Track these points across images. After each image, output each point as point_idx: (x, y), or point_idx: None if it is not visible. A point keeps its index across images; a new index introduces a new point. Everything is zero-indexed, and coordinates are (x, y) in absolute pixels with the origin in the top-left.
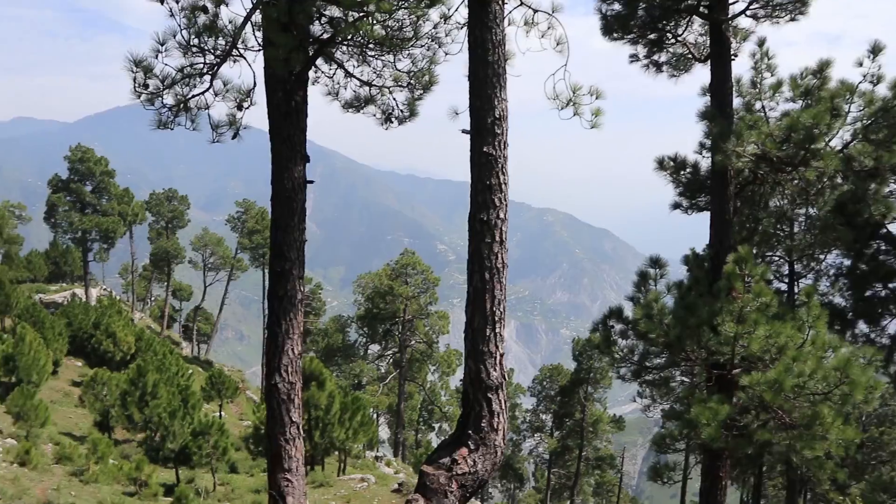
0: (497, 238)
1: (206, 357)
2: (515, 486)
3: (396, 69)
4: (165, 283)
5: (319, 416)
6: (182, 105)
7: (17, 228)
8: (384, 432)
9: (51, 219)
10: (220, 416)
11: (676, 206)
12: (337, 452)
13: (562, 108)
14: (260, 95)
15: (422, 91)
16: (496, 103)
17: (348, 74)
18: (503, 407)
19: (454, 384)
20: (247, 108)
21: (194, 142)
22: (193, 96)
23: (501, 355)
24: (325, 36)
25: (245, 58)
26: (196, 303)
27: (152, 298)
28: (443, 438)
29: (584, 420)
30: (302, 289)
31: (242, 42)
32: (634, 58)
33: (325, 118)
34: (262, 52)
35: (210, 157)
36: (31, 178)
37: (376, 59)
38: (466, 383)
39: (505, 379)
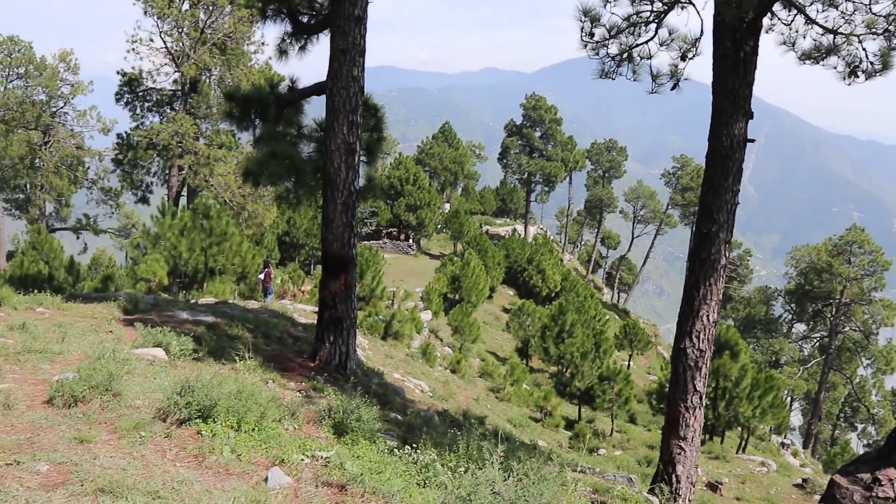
0: None
1: (624, 306)
2: None
3: (871, 12)
4: (596, 230)
5: (727, 387)
6: (625, 54)
7: (476, 165)
8: (796, 419)
9: (503, 159)
10: (629, 365)
11: None
12: (740, 429)
13: None
14: (706, 45)
15: None
16: None
17: (809, 20)
18: None
19: (890, 385)
20: (691, 58)
21: (638, 95)
22: (637, 45)
23: None
24: None
25: (694, 4)
26: (622, 252)
27: (582, 242)
28: (866, 443)
29: None
30: (727, 254)
31: None
32: None
33: (774, 72)
34: None
35: (652, 110)
36: (492, 122)
37: (847, 0)
38: None
39: None
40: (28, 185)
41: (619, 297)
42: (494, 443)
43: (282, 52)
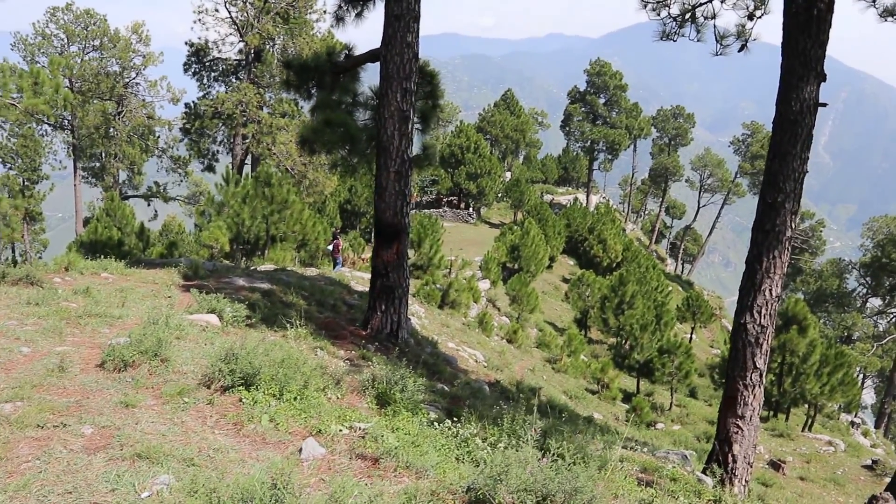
0: None
1: (688, 277)
2: None
3: None
4: (660, 199)
5: (794, 363)
6: (688, 14)
7: (538, 133)
8: (868, 397)
9: (566, 127)
10: (691, 338)
11: None
12: (806, 406)
13: None
14: (776, 3)
15: None
16: None
17: None
18: None
19: None
20: (759, 17)
21: (707, 59)
22: (700, 4)
23: None
24: None
25: None
26: (687, 222)
27: (646, 212)
28: None
29: None
30: (792, 225)
31: None
32: None
33: (856, 32)
34: None
35: (722, 75)
36: (556, 88)
37: None
38: None
39: None
40: (103, 154)
41: (682, 268)
42: (541, 417)
43: (338, 18)
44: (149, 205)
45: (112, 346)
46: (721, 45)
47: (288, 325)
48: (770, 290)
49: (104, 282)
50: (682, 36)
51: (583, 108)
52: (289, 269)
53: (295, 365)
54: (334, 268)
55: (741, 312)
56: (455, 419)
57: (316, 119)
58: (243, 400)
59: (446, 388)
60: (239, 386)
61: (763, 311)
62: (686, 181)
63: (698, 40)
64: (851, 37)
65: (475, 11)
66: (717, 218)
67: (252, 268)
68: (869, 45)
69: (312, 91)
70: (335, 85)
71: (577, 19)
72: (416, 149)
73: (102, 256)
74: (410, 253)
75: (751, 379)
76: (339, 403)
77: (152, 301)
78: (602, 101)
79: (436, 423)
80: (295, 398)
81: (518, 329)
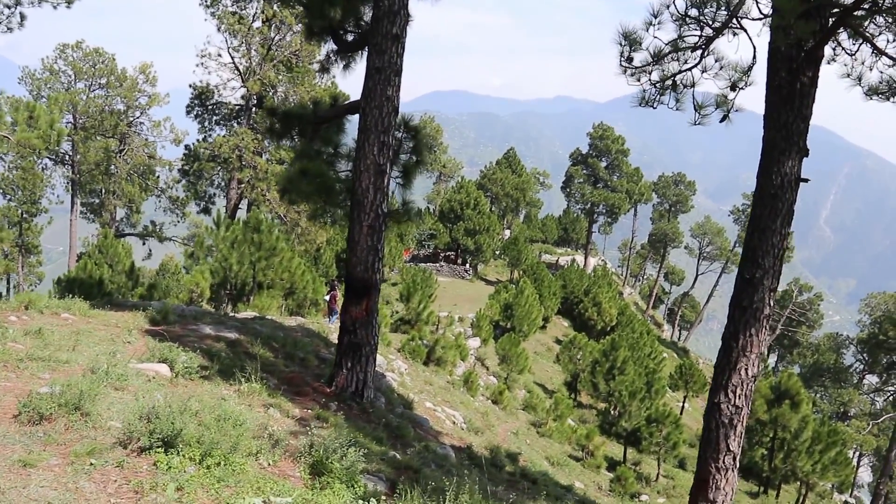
0: None
1: (684, 344)
2: None
3: None
4: (659, 264)
5: (786, 438)
6: (668, 82)
7: (539, 193)
8: (865, 475)
9: (567, 188)
10: (683, 407)
11: None
12: (798, 484)
13: None
14: (759, 75)
15: None
16: None
17: (877, 51)
18: None
19: None
20: (741, 88)
21: (712, 130)
22: (680, 72)
23: None
24: (850, 1)
25: (745, 30)
26: (685, 288)
27: (644, 277)
28: None
29: None
30: (771, 303)
31: (744, 11)
32: None
33: (855, 109)
34: (765, 23)
35: (726, 145)
36: (561, 150)
37: None
38: None
39: None
40: (102, 191)
41: (679, 334)
42: (506, 488)
43: (324, 69)
44: (143, 243)
45: (30, 395)
46: (700, 114)
47: (243, 380)
48: (746, 370)
49: (62, 323)
50: (662, 103)
51: (584, 171)
52: (268, 317)
53: (226, 425)
54: (330, 319)
55: (715, 391)
56: (397, 493)
57: (293, 168)
58: (158, 464)
59: (397, 456)
60: (158, 447)
61: (738, 390)
62: (685, 248)
63: (678, 109)
64: (854, 113)
65: (487, 71)
66: (716, 286)
67: (230, 314)
68: (872, 122)
69: (295, 139)
70: (316, 135)
71: (586, 83)
72: (397, 203)
73: (76, 295)
74: (400, 307)
75: (724, 462)
76: (268, 471)
77: (107, 346)
78: (604, 164)
79: (371, 499)
80: (218, 463)
81: (504, 390)
